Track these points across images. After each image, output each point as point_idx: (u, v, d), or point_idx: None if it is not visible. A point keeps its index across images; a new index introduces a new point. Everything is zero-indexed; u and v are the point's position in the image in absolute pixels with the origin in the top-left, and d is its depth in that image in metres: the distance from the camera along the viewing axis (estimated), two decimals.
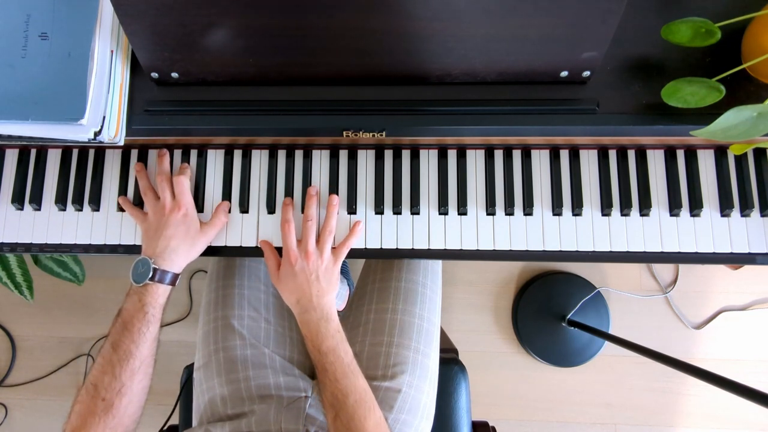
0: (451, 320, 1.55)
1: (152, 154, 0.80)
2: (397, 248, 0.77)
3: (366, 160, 0.79)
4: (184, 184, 0.75)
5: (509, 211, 0.77)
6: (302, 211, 0.77)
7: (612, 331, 1.50)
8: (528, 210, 0.76)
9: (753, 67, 0.68)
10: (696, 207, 0.75)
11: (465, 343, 1.53)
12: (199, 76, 0.72)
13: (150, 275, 0.70)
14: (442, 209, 0.77)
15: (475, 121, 0.71)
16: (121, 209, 0.79)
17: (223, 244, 0.78)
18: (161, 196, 0.75)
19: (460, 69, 0.69)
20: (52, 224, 0.79)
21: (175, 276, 0.73)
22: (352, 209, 0.78)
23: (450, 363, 0.95)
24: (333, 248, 0.76)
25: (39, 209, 0.80)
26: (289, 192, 0.78)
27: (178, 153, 0.80)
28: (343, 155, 0.79)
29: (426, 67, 0.69)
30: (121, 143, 0.72)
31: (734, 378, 0.81)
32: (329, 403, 0.68)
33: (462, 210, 0.77)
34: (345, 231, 0.77)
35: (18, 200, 0.79)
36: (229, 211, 0.79)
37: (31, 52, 0.69)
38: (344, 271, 1.45)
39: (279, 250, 0.77)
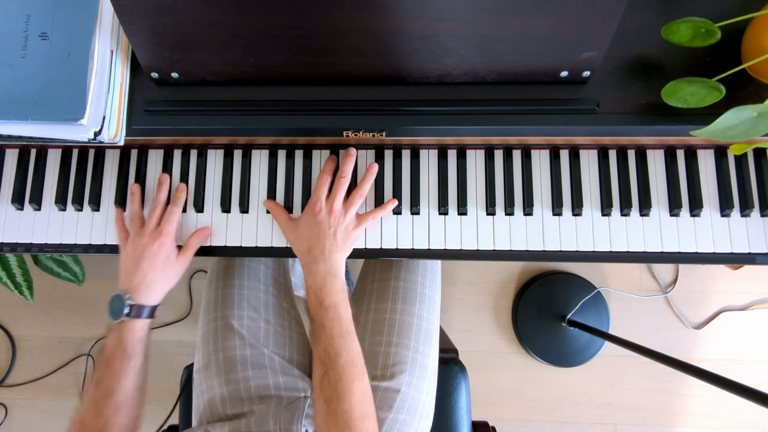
0: (451, 320, 1.55)
1: (152, 153, 0.80)
2: (396, 248, 0.77)
3: (366, 160, 0.79)
4: (174, 215, 0.75)
5: (509, 211, 0.77)
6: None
7: (612, 331, 1.50)
8: (528, 210, 0.76)
9: (753, 67, 0.68)
10: (696, 207, 0.75)
11: (465, 343, 1.53)
12: (199, 76, 0.72)
13: (126, 311, 0.69)
14: (442, 209, 0.77)
15: (475, 121, 0.71)
16: (121, 209, 0.79)
17: (223, 244, 0.78)
18: (147, 223, 0.74)
19: (460, 69, 0.69)
20: (52, 224, 0.79)
21: (153, 309, 0.73)
22: None
23: (450, 363, 0.95)
24: (358, 214, 0.75)
25: (39, 209, 0.80)
26: (289, 192, 0.78)
27: (178, 153, 0.80)
28: (344, 155, 0.79)
29: (426, 67, 0.69)
30: (121, 143, 0.72)
31: (734, 378, 0.81)
32: (320, 360, 0.67)
33: (462, 210, 0.77)
34: None
35: (18, 200, 0.79)
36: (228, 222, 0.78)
37: (31, 52, 0.69)
38: None
39: (276, 250, 0.77)
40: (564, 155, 0.78)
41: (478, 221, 0.77)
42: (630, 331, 1.50)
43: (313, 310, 0.70)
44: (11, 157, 0.81)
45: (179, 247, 0.76)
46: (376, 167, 0.77)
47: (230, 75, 0.71)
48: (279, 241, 0.78)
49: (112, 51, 0.71)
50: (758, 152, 0.76)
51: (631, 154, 0.77)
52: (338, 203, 0.73)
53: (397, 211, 0.78)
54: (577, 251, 0.76)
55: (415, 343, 0.83)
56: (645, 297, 1.53)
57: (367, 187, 0.76)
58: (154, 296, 0.73)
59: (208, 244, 0.78)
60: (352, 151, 0.77)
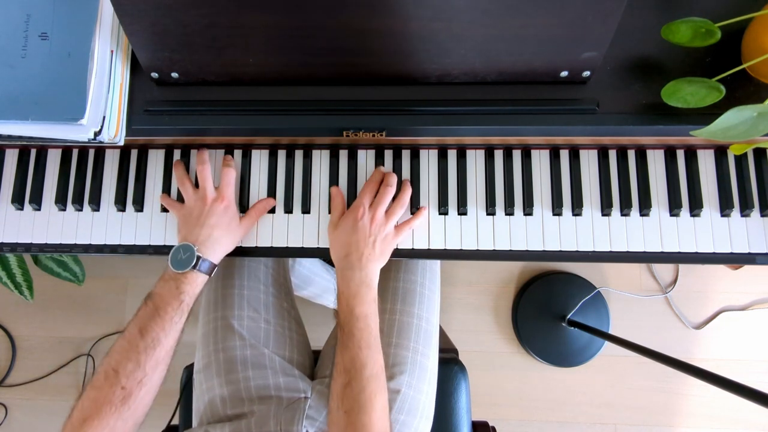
0: (451, 320, 1.55)
1: (152, 153, 0.80)
2: (396, 248, 0.77)
3: (366, 160, 0.79)
4: (230, 176, 0.75)
5: (509, 211, 0.77)
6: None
7: (612, 331, 1.50)
8: (528, 210, 0.76)
9: (753, 67, 0.68)
10: (696, 207, 0.75)
11: (465, 343, 1.53)
12: (199, 76, 0.72)
13: (193, 263, 0.68)
14: (442, 209, 0.77)
15: (475, 121, 0.71)
16: (121, 209, 0.79)
17: None
18: (202, 185, 0.74)
19: (460, 69, 0.69)
20: (52, 224, 0.79)
21: (213, 266, 0.72)
22: None
23: (450, 363, 0.95)
24: (396, 225, 0.75)
25: (39, 209, 0.80)
26: (289, 192, 0.78)
27: (178, 153, 0.80)
28: (343, 155, 0.79)
29: (426, 67, 0.69)
30: (121, 143, 0.72)
31: (734, 378, 0.81)
32: (344, 369, 0.66)
33: (462, 210, 0.77)
34: None
35: (18, 200, 0.79)
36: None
37: (31, 52, 0.69)
38: None
39: (276, 250, 0.77)
40: (564, 155, 0.78)
41: (478, 221, 0.77)
42: (630, 331, 1.50)
43: (342, 317, 0.70)
44: (11, 157, 0.81)
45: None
46: (408, 184, 0.77)
47: (230, 75, 0.71)
48: (279, 241, 0.78)
49: (112, 51, 0.71)
50: (758, 152, 0.76)
51: (631, 154, 0.77)
52: (381, 211, 0.73)
53: None
54: (577, 251, 0.76)
55: (414, 343, 0.83)
56: (645, 297, 1.53)
57: (407, 199, 0.76)
58: (218, 254, 0.72)
59: None
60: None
